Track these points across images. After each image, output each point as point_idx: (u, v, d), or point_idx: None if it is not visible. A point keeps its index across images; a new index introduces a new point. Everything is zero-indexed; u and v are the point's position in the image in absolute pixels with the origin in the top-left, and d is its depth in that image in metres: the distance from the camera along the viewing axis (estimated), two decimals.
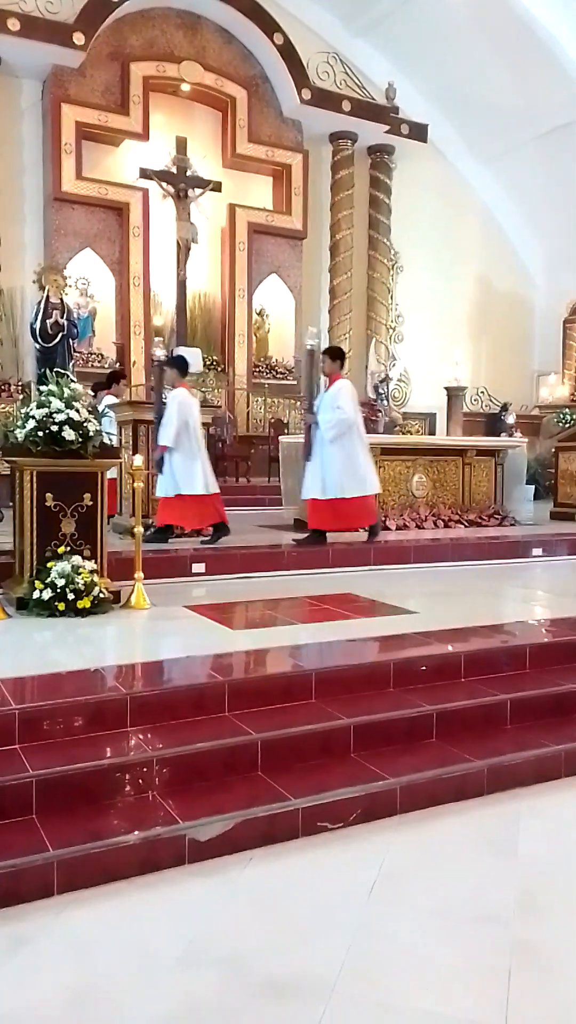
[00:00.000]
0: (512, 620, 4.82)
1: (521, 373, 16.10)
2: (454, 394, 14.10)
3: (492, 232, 15.81)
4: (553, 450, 10.16)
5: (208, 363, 12.70)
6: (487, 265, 15.68)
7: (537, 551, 7.45)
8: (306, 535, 6.67)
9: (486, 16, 12.28)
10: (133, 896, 2.46)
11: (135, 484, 4.98)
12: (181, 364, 6.77)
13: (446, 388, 14.11)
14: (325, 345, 9.87)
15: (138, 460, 5.05)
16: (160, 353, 6.83)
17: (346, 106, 13.11)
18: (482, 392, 15.26)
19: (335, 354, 7.01)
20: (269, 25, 12.43)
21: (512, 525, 8.41)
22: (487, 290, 15.74)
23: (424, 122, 14.11)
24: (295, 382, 13.37)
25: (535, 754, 3.34)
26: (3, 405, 10.43)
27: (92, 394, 7.72)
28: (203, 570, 5.95)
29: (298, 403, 12.97)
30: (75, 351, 10.03)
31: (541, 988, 2.08)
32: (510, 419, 14.02)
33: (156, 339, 8.08)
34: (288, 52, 12.56)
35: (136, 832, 2.61)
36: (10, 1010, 1.97)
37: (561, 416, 14.47)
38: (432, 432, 14.26)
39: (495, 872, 2.64)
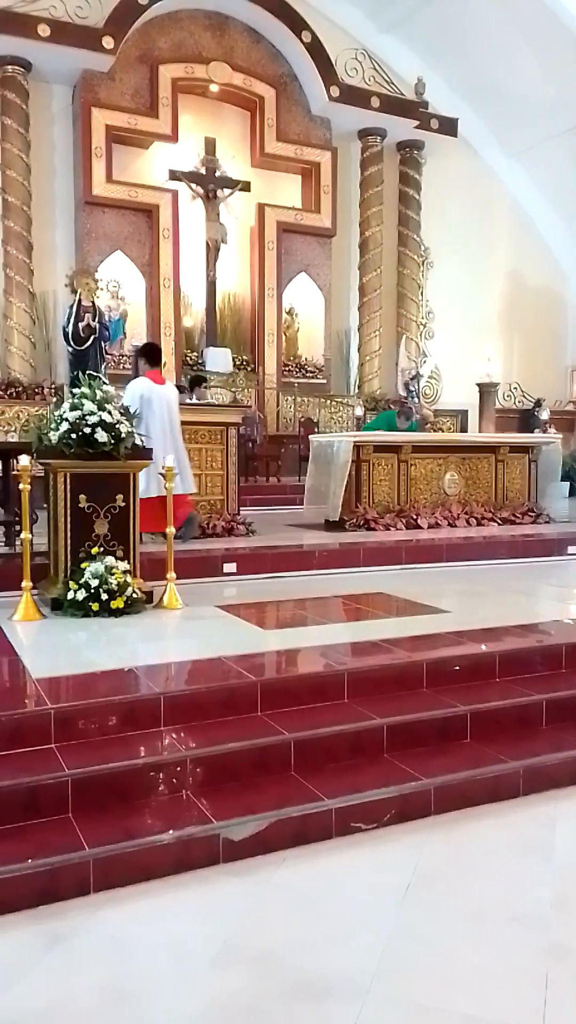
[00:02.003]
0: (547, 619, 4.76)
1: (555, 368, 15.88)
2: (486, 390, 13.96)
3: (523, 226, 15.62)
4: None
5: (238, 363, 12.74)
6: (518, 260, 15.50)
7: (573, 549, 7.34)
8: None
9: (515, 8, 12.13)
10: (168, 895, 2.48)
11: (167, 485, 5.01)
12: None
13: (478, 384, 13.97)
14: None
15: (170, 461, 5.08)
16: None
17: (375, 102, 13.05)
18: (515, 388, 15.08)
19: (139, 352, 6.65)
20: (297, 23, 12.42)
21: (546, 523, 8.30)
22: (519, 285, 15.55)
23: (454, 116, 14.00)
24: (325, 381, 13.36)
25: (572, 755, 3.30)
26: (36, 408, 10.57)
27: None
28: (234, 570, 5.96)
29: (328, 402, 12.97)
30: (107, 353, 10.12)
31: None
32: (544, 415, 13.83)
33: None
34: (316, 50, 12.53)
35: (170, 831, 2.62)
36: (46, 1006, 2.00)
37: None
38: (464, 429, 14.14)
39: (531, 874, 2.61)
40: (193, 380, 9.02)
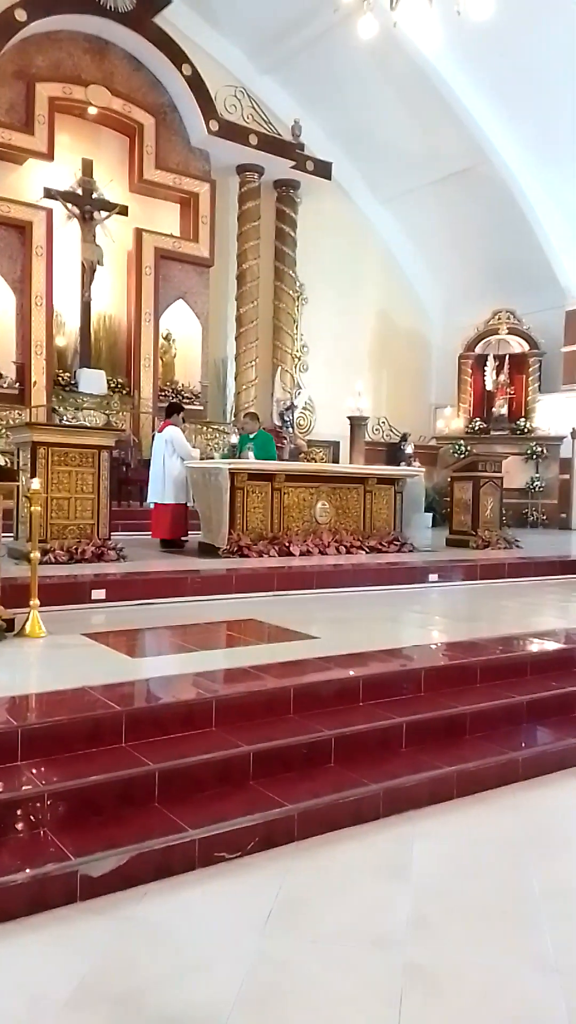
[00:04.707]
0: (409, 644, 4.94)
1: (419, 405, 16.67)
2: (356, 423, 14.46)
3: (392, 269, 16.40)
4: (449, 479, 10.54)
5: (113, 386, 12.56)
6: (387, 301, 16.23)
7: (433, 577, 7.68)
8: None
9: (390, 65, 12.82)
10: (21, 937, 2.37)
11: (32, 508, 4.85)
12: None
13: (349, 417, 14.45)
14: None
15: (36, 484, 4.92)
16: None
17: (252, 140, 13.37)
18: (383, 422, 15.70)
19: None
20: (177, 56, 12.57)
21: (411, 551, 8.64)
22: (388, 324, 16.27)
23: (328, 160, 14.55)
24: (202, 407, 13.39)
25: (428, 776, 3.43)
26: None
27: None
28: (103, 596, 5.82)
29: (204, 428, 12.99)
30: None
31: (432, 1009, 2.12)
32: (409, 449, 14.41)
33: None
34: (196, 83, 12.72)
35: (26, 870, 2.51)
36: None
37: (456, 447, 15.05)
38: (336, 460, 14.54)
39: (389, 895, 2.69)
40: (169, 408, 8.93)
